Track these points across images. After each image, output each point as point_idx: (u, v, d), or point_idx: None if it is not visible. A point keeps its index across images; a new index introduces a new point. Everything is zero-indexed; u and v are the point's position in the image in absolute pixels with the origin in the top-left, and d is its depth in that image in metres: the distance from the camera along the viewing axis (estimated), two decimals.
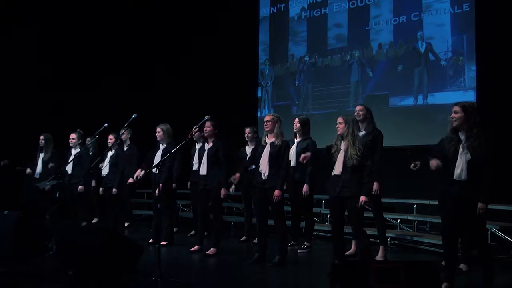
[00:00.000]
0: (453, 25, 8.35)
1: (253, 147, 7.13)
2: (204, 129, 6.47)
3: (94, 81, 11.10)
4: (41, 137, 8.15)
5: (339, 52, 9.68)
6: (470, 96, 8.03)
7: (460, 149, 4.36)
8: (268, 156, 5.78)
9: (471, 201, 4.32)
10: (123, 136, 7.65)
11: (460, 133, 4.43)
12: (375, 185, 5.80)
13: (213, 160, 6.41)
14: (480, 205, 4.30)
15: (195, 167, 7.33)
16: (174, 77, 11.35)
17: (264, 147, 5.88)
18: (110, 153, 7.56)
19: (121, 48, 11.40)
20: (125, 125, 6.61)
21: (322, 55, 9.91)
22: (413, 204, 7.85)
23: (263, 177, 5.79)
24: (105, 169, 7.60)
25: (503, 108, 7.63)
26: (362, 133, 5.91)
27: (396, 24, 9.00)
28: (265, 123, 5.90)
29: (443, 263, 4.59)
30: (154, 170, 6.29)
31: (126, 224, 8.29)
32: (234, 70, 10.64)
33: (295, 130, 6.82)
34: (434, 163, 4.50)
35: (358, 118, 5.93)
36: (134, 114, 6.52)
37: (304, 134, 6.76)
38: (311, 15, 10.11)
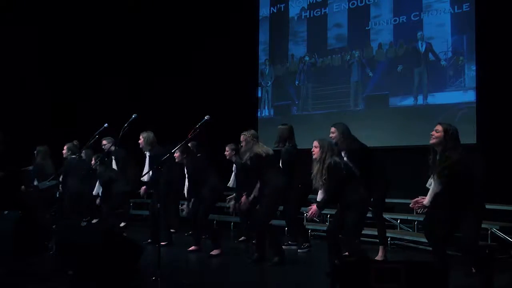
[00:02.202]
0: (453, 25, 8.35)
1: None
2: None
3: (94, 81, 11.11)
4: (36, 149, 8.18)
5: (339, 52, 9.67)
6: (470, 96, 8.04)
7: (433, 174, 4.48)
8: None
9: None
10: (106, 146, 7.70)
11: (438, 153, 4.50)
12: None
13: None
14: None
15: None
16: (174, 77, 11.34)
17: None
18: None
19: (121, 48, 11.40)
20: (125, 125, 6.62)
21: (322, 55, 9.90)
22: None
23: None
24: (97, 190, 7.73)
25: (503, 108, 7.63)
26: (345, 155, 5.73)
27: (396, 24, 9.00)
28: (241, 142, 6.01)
29: None
30: (146, 177, 6.44)
31: (122, 224, 8.30)
32: (234, 70, 10.63)
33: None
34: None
35: (334, 141, 5.79)
36: (134, 114, 6.53)
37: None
38: (311, 15, 10.11)
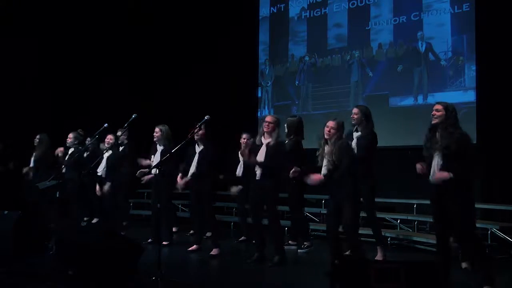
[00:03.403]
0: (453, 25, 8.35)
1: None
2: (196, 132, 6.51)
3: (94, 81, 11.11)
4: (36, 137, 8.21)
5: (339, 52, 9.67)
6: (470, 96, 8.04)
7: (435, 151, 4.47)
8: (264, 156, 5.81)
9: (447, 203, 4.41)
10: (121, 137, 7.67)
11: (437, 133, 4.52)
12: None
13: (201, 162, 6.55)
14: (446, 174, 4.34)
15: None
16: (174, 77, 11.35)
17: (259, 146, 5.91)
18: (107, 154, 7.58)
19: (121, 48, 11.40)
20: (125, 125, 6.62)
21: (322, 55, 9.90)
22: (413, 204, 7.84)
23: (257, 177, 5.84)
24: (101, 169, 7.67)
25: (503, 108, 7.63)
26: (358, 134, 5.88)
27: (396, 24, 9.00)
28: (266, 124, 5.89)
29: None
30: (153, 171, 6.33)
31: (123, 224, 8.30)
32: (234, 70, 10.63)
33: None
34: (419, 166, 4.63)
35: (353, 122, 5.92)
36: (134, 114, 6.53)
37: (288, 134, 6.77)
38: (311, 15, 10.11)
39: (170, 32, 11.44)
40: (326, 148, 5.18)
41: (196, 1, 11.19)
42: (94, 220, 9.18)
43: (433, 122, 4.56)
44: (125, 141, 7.87)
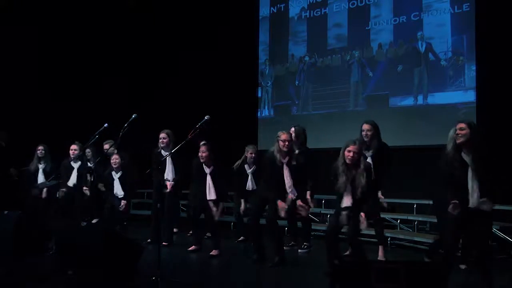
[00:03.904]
0: (453, 25, 8.35)
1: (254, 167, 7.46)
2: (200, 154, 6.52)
3: (94, 81, 11.10)
4: (40, 148, 8.14)
5: (339, 52, 9.67)
6: (470, 96, 8.04)
7: (469, 173, 4.37)
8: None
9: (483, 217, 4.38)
10: (109, 150, 7.72)
11: (463, 153, 4.42)
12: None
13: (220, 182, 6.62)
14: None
15: None
16: (174, 77, 11.34)
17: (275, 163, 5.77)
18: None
19: (121, 48, 11.40)
20: (125, 125, 6.61)
21: (322, 55, 9.90)
22: (413, 204, 7.84)
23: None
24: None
25: (503, 108, 7.63)
26: (370, 153, 5.84)
27: (396, 24, 9.00)
28: (285, 142, 5.73)
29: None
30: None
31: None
32: (234, 70, 10.63)
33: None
34: (453, 207, 4.41)
35: (366, 139, 5.84)
36: (134, 114, 6.53)
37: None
38: (311, 15, 10.11)
39: (170, 31, 11.44)
40: (352, 174, 4.96)
41: (196, 1, 11.19)
42: (94, 220, 9.18)
43: (457, 141, 4.43)
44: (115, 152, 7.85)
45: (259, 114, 10.66)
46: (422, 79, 8.60)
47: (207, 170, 6.55)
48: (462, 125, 4.45)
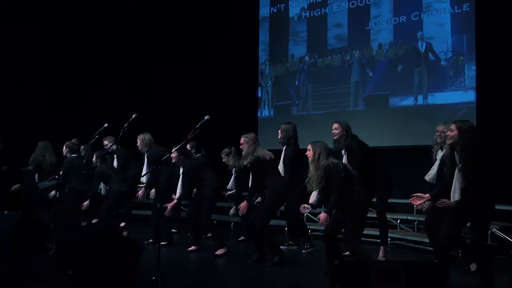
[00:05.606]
0: (453, 25, 8.35)
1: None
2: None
3: (94, 81, 11.11)
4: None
5: (339, 52, 9.67)
6: (470, 96, 8.04)
7: (456, 172, 4.36)
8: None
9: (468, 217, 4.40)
10: (108, 145, 7.74)
11: (456, 152, 4.43)
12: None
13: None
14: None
15: None
16: (174, 77, 11.34)
17: None
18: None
19: (121, 48, 11.40)
20: (125, 125, 6.62)
21: (322, 55, 9.90)
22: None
23: None
24: None
25: (503, 108, 7.63)
26: (345, 153, 5.84)
27: (396, 24, 9.00)
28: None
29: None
30: None
31: (122, 224, 8.30)
32: (234, 70, 10.63)
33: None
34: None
35: (334, 137, 5.89)
36: (134, 114, 6.53)
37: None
38: (311, 15, 10.11)
39: (170, 32, 11.44)
40: (311, 171, 5.15)
41: (197, 1, 11.19)
42: (94, 220, 9.18)
43: (447, 142, 4.49)
44: (114, 148, 7.87)
45: (259, 114, 10.66)
46: (422, 79, 8.60)
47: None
48: (452, 126, 4.47)
